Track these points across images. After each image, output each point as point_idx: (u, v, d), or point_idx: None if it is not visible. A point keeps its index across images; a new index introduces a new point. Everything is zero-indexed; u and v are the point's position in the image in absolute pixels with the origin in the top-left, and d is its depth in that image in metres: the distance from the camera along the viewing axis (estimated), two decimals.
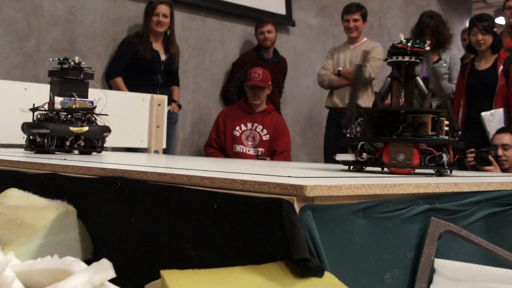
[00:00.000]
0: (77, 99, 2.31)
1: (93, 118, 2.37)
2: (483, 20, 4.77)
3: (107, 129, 2.39)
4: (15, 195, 1.47)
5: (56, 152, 2.27)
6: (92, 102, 2.36)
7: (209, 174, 1.25)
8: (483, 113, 4.67)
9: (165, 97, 3.67)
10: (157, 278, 1.06)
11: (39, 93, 2.90)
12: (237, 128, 4.99)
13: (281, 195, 1.09)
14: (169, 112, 4.69)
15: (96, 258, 1.27)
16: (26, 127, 2.32)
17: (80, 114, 2.32)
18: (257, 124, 5.00)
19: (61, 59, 2.36)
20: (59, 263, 1.11)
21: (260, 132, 4.98)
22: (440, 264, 1.29)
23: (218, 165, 1.94)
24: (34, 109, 2.32)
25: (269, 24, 5.70)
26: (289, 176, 1.27)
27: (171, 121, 4.78)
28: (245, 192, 1.14)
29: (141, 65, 4.84)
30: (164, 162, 2.20)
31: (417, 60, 1.70)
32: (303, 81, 6.51)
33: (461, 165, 4.43)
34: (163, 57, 4.93)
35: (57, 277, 1.08)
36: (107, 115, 2.40)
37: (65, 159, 1.79)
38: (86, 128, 2.31)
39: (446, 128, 1.65)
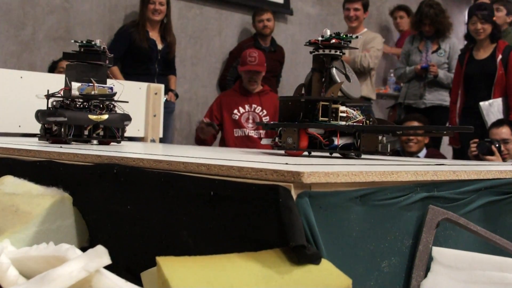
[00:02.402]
0: (96, 85, 2.16)
1: (111, 106, 2.22)
2: (482, 9, 4.76)
3: (127, 117, 2.24)
4: (10, 182, 1.46)
5: (73, 142, 2.12)
6: (111, 88, 2.21)
7: (206, 161, 1.25)
8: (481, 103, 4.67)
9: (162, 86, 3.66)
10: (153, 266, 1.06)
11: (35, 82, 2.90)
12: (235, 111, 4.83)
13: (278, 181, 1.09)
14: (166, 101, 4.67)
15: (92, 246, 1.26)
16: (40, 115, 2.15)
17: (97, 101, 2.17)
18: (255, 105, 4.81)
19: (83, 41, 2.22)
20: (55, 250, 1.11)
21: (260, 113, 4.81)
22: (438, 252, 1.29)
23: (215, 152, 1.93)
24: (49, 96, 2.16)
25: (268, 12, 5.69)
26: (286, 163, 1.27)
27: (168, 110, 4.76)
28: (242, 179, 1.13)
29: (138, 54, 4.82)
30: (161, 150, 2.19)
31: (336, 53, 1.80)
32: (300, 71, 6.50)
33: (464, 155, 4.44)
34: (159, 46, 4.92)
35: (52, 264, 1.07)
36: (127, 102, 2.27)
37: (61, 147, 1.78)
38: (105, 116, 2.16)
39: (343, 115, 1.72)
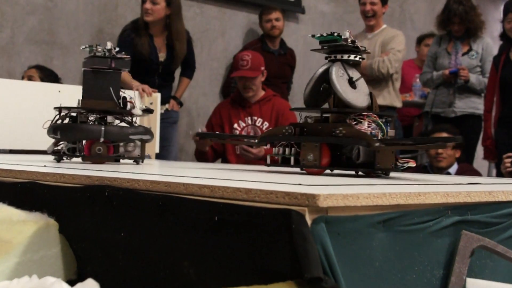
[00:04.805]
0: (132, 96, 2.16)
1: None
2: None
3: None
4: None
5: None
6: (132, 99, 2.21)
7: (209, 182, 1.25)
8: None
9: (158, 95, 3.67)
10: None
11: (14, 91, 2.91)
12: (235, 125, 4.67)
13: (290, 205, 1.09)
14: (167, 111, 4.64)
15: (81, 278, 1.27)
16: (108, 131, 2.09)
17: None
18: (255, 118, 4.61)
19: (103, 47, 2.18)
20: (38, 284, 1.11)
21: (261, 126, 4.62)
22: (473, 284, 1.29)
23: (219, 171, 1.94)
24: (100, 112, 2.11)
25: (277, 11, 5.70)
26: (300, 184, 1.27)
27: (170, 120, 4.68)
28: (249, 202, 1.14)
29: (136, 62, 4.73)
30: (158, 169, 2.20)
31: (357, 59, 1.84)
32: None
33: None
34: (161, 55, 4.73)
35: None
36: (151, 112, 2.27)
37: (45, 166, 1.79)
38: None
39: None
